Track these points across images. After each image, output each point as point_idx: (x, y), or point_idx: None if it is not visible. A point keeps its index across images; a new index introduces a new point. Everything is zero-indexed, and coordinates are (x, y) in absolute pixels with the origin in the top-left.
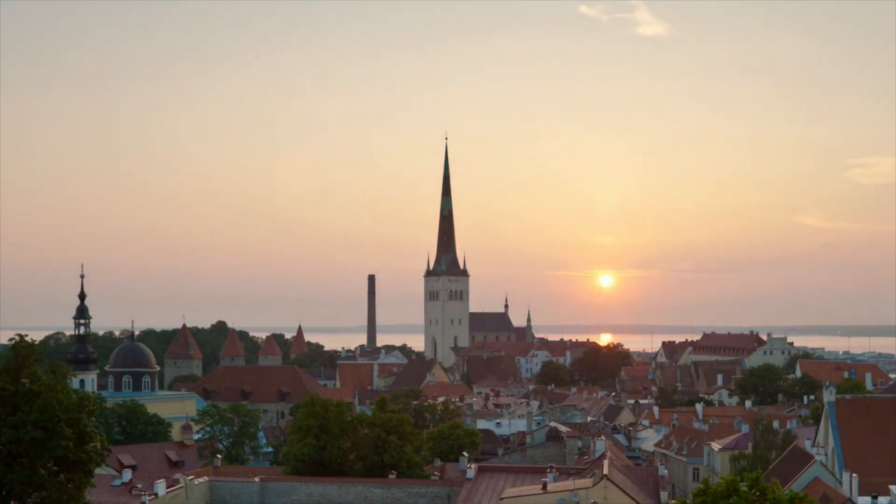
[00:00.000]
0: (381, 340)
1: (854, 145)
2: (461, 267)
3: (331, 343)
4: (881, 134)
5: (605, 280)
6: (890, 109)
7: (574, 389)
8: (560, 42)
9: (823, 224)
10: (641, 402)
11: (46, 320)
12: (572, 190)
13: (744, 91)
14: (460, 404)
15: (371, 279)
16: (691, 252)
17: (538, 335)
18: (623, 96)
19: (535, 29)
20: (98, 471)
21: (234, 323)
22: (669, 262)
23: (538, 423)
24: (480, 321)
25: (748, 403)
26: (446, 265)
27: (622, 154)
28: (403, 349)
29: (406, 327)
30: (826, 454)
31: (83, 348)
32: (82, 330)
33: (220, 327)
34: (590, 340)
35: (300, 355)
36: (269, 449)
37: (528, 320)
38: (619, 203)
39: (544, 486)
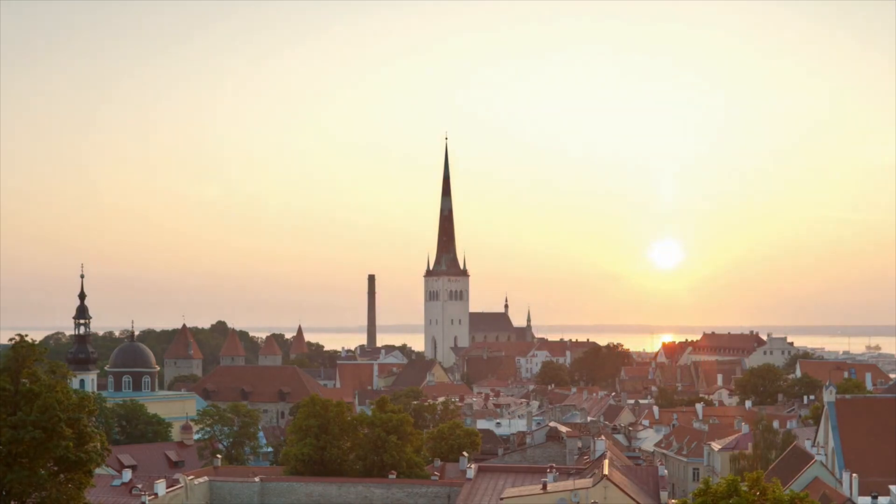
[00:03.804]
0: (381, 340)
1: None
2: (461, 267)
3: (331, 343)
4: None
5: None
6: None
7: (574, 389)
8: (561, 42)
9: (827, 216)
10: (641, 402)
11: (46, 320)
12: (573, 189)
13: (740, 83)
14: (460, 404)
15: (371, 279)
16: (691, 252)
17: (538, 335)
18: (623, 92)
19: (534, 28)
20: (98, 471)
21: (234, 323)
22: (673, 262)
23: (538, 423)
24: (480, 321)
25: (748, 403)
26: (446, 265)
27: (620, 153)
28: (403, 349)
29: (406, 327)
30: (826, 454)
31: (83, 348)
32: (82, 330)
33: (220, 327)
34: (590, 340)
35: (300, 355)
36: (269, 449)
37: (528, 320)
38: (618, 202)
39: (544, 486)
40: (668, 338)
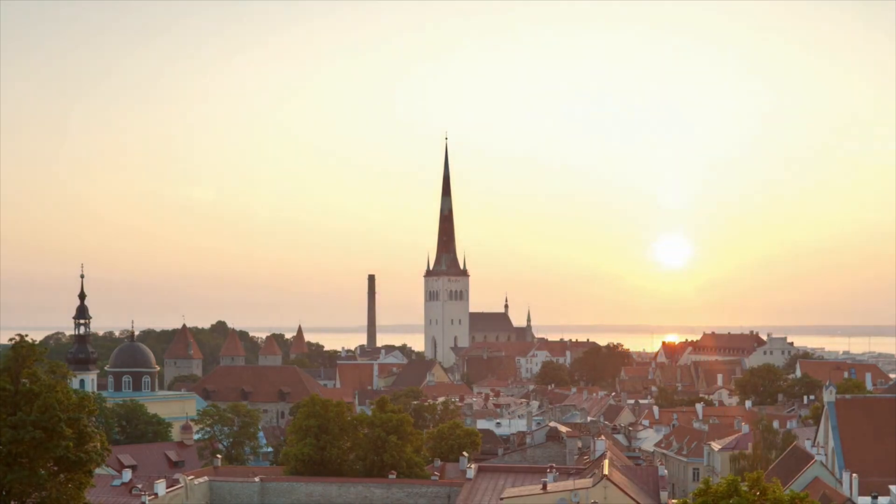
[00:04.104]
0: (381, 340)
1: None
2: (461, 267)
3: (331, 343)
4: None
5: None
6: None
7: (574, 389)
8: (562, 40)
9: (827, 216)
10: (641, 402)
11: (46, 320)
12: (574, 189)
13: (739, 85)
14: (460, 404)
15: (371, 279)
16: (692, 253)
17: (538, 335)
18: (625, 91)
19: (534, 27)
20: (98, 471)
21: (234, 323)
22: (673, 262)
23: (538, 423)
24: (480, 321)
25: (748, 403)
26: (446, 265)
27: (623, 153)
28: (403, 349)
29: (406, 327)
30: (826, 454)
31: (83, 348)
32: (82, 330)
33: (220, 327)
34: (590, 340)
35: (300, 355)
36: (269, 449)
37: (528, 320)
38: (618, 202)
39: (544, 486)
40: (674, 338)
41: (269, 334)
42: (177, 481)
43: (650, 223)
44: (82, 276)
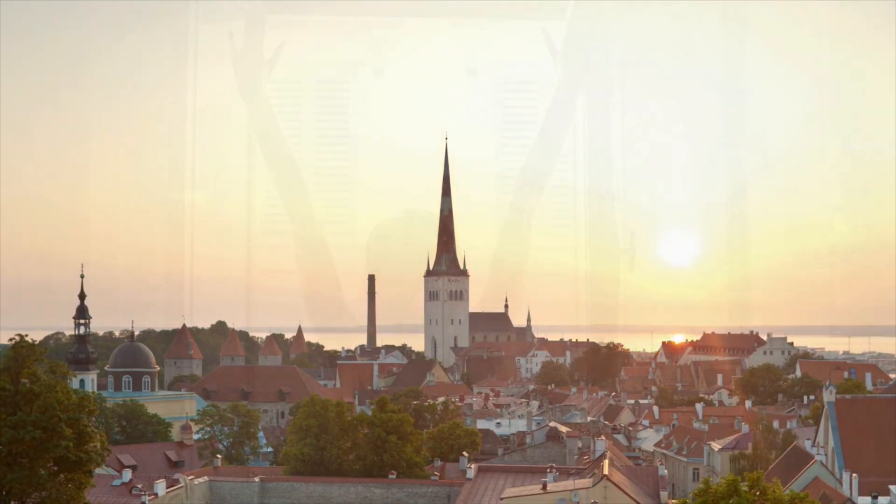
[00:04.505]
0: (381, 340)
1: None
2: (461, 267)
3: (331, 343)
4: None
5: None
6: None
7: (574, 389)
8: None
9: (826, 215)
10: (641, 402)
11: (46, 320)
12: (573, 188)
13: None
14: (460, 404)
15: (371, 279)
16: (694, 252)
17: (538, 335)
18: (625, 92)
19: (536, 23)
20: (98, 471)
21: (234, 323)
22: (675, 262)
23: (538, 423)
24: (480, 321)
25: (748, 403)
26: (446, 265)
27: (624, 151)
28: (403, 349)
29: (406, 327)
30: (826, 454)
31: (83, 348)
32: (82, 330)
33: (220, 327)
34: (590, 340)
35: (300, 355)
36: (269, 449)
37: (528, 320)
38: (620, 201)
39: (544, 486)
40: (680, 338)
41: (269, 334)
42: (177, 481)
43: (651, 222)
44: (82, 276)
